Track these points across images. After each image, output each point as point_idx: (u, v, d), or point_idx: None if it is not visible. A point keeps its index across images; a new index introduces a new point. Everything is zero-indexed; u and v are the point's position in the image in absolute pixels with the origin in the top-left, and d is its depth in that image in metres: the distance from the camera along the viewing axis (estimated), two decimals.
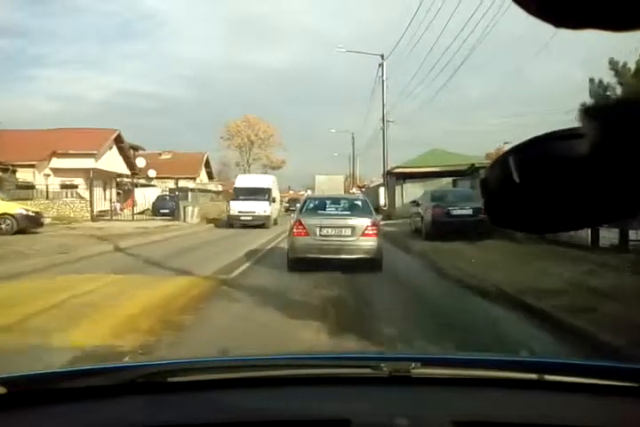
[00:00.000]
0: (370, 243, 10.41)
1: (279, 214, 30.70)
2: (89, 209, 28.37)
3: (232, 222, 26.29)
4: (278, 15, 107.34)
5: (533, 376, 1.43)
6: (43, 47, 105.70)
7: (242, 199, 26.75)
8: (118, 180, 39.42)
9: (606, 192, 0.56)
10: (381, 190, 32.07)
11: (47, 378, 1.51)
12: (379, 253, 10.59)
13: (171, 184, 41.38)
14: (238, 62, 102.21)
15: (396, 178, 31.31)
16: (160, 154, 51.55)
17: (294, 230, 10.73)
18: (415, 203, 19.65)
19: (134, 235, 19.78)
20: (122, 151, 37.37)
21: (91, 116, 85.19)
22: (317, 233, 10.46)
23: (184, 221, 28.95)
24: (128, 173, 38.82)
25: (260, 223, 25.88)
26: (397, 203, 31.41)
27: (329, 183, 40.53)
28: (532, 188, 0.58)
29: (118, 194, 39.28)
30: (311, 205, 11.86)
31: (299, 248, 10.54)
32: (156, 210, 33.57)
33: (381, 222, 27.29)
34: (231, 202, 27.65)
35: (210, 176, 54.85)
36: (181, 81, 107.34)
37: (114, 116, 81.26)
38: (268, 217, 26.64)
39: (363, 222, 10.54)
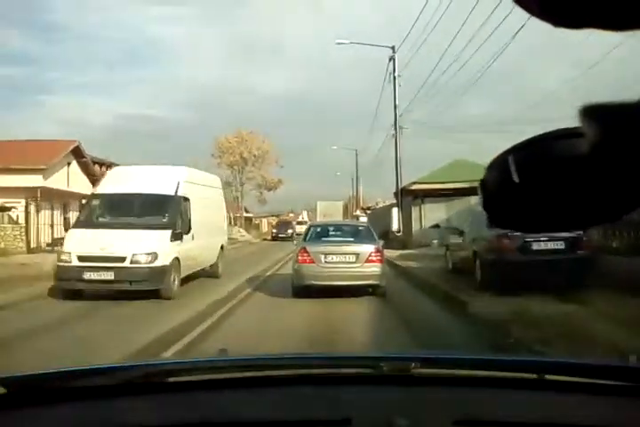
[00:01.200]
0: (374, 269, 10.37)
1: (221, 257, 14.84)
2: (24, 238, 22.30)
3: (67, 285, 10.65)
4: (280, 39, 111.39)
5: (533, 376, 1.40)
6: (46, 73, 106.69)
7: (100, 225, 11.33)
8: (84, 202, 33.63)
9: (605, 191, 0.56)
10: (394, 212, 26.03)
11: (47, 378, 1.48)
12: (383, 280, 10.55)
13: None
14: (239, 86, 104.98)
15: (412, 197, 25.29)
16: None
17: (299, 258, 10.63)
18: (455, 230, 13.52)
19: (38, 279, 12.44)
20: (84, 167, 31.49)
21: (93, 141, 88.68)
22: (322, 260, 10.41)
23: None
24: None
25: (139, 288, 10.35)
26: (415, 228, 25.37)
27: (330, 208, 46.63)
28: (531, 187, 0.58)
29: None
30: (315, 232, 11.82)
31: (304, 275, 10.42)
32: None
33: (395, 253, 21.25)
34: (70, 232, 11.59)
35: None
36: (183, 105, 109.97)
37: (116, 141, 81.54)
38: (162, 272, 10.50)
39: (366, 249, 10.56)
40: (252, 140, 54.17)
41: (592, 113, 0.52)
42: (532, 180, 0.57)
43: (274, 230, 47.07)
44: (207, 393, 1.40)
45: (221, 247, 14.88)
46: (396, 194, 27.73)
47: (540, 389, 1.38)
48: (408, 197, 25.59)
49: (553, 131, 0.58)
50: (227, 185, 57.83)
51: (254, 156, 54.27)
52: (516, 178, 0.57)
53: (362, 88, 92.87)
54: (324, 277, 10.23)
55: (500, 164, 0.59)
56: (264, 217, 70.89)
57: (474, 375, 1.47)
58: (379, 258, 10.52)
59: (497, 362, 1.66)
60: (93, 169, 32.34)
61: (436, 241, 23.79)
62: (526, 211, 0.61)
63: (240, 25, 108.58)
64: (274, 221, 62.79)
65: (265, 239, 45.72)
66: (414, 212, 25.28)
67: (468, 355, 1.96)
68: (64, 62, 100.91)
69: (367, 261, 10.36)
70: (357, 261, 10.36)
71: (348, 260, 10.40)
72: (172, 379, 1.46)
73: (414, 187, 24.77)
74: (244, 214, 61.65)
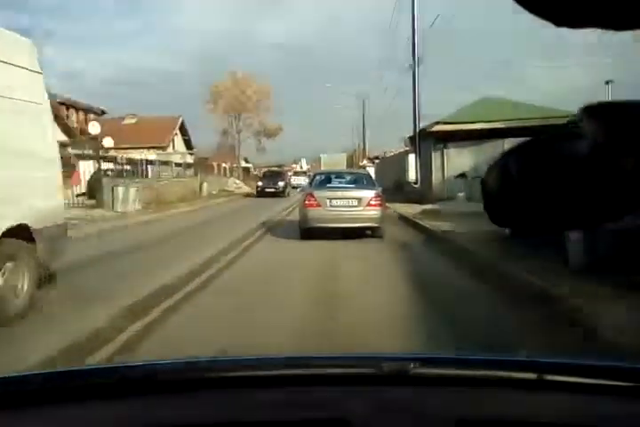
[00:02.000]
0: (374, 212, 11.35)
1: (29, 262, 5.64)
2: None
3: None
4: None
5: (534, 376, 1.35)
6: (48, 24, 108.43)
7: None
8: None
9: (606, 191, 0.57)
10: (410, 160, 21.94)
11: (45, 378, 1.44)
12: (381, 222, 11.51)
13: (134, 155, 31.80)
14: (241, 36, 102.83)
15: (433, 141, 21.14)
16: (123, 118, 41.50)
17: (306, 202, 11.52)
18: None
19: None
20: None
21: (95, 94, 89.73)
22: (328, 204, 11.34)
23: (112, 208, 19.10)
24: (65, 139, 28.84)
25: None
26: (435, 178, 21.36)
27: (333, 160, 47.52)
28: (532, 187, 0.59)
29: None
30: (320, 180, 12.74)
31: (311, 218, 11.37)
32: (93, 191, 23.88)
33: (415, 209, 17.25)
34: None
35: (188, 145, 44.80)
36: (184, 56, 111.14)
37: (118, 92, 79.30)
38: None
39: (367, 194, 11.54)
40: (249, 82, 49.38)
41: (592, 113, 0.52)
42: (532, 180, 0.57)
43: (259, 183, 34.92)
44: (205, 393, 1.33)
45: (26, 234, 5.59)
46: (412, 138, 23.59)
47: (541, 389, 1.31)
48: (427, 141, 21.45)
49: (553, 131, 0.57)
50: (223, 133, 53.91)
51: (251, 100, 49.59)
52: (517, 178, 0.57)
53: (368, 36, 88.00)
54: (329, 219, 11.21)
55: (501, 164, 0.59)
56: (265, 167, 66.89)
57: (474, 375, 1.39)
58: (378, 202, 11.42)
59: (497, 362, 1.55)
60: (63, 111, 28.05)
61: (462, 194, 19.89)
62: (527, 211, 0.60)
63: None
64: None
65: (249, 195, 35.49)
66: (435, 159, 21.18)
67: (468, 355, 1.79)
68: (61, 12, 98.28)
69: (368, 205, 11.30)
70: (359, 204, 11.30)
71: (351, 204, 11.33)
72: (170, 378, 1.38)
73: (436, 128, 20.56)
74: (244, 165, 57.62)
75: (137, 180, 22.36)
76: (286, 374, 1.45)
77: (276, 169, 42.42)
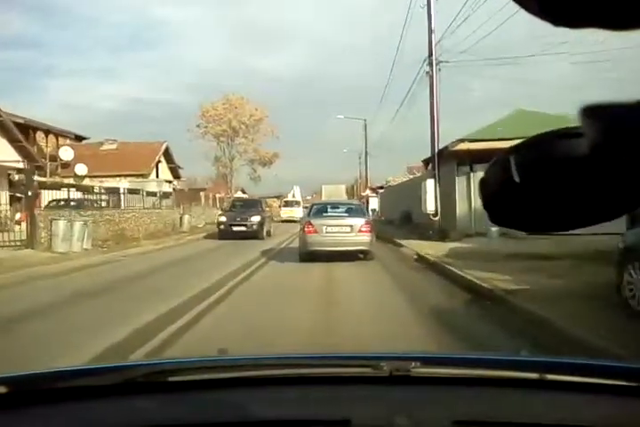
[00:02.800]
0: (364, 237, 12.91)
1: None
2: None
3: None
4: (282, 24, 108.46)
5: (534, 376, 1.37)
6: (53, 57, 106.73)
7: None
8: (17, 177, 25.68)
9: (606, 191, 0.58)
10: (428, 186, 17.79)
11: (47, 378, 1.46)
12: (371, 245, 13.12)
13: (112, 183, 27.97)
14: (242, 69, 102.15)
15: (457, 163, 17.11)
16: (102, 144, 37.72)
17: (306, 229, 12.98)
18: None
19: None
20: (3, 130, 23.35)
21: (99, 125, 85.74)
22: (324, 230, 12.81)
23: (50, 248, 14.94)
24: (17, 161, 24.80)
25: None
26: (460, 208, 17.26)
27: (334, 191, 47.91)
28: (532, 187, 0.59)
29: (17, 199, 25.51)
30: (317, 209, 14.09)
31: (310, 243, 12.81)
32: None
33: (439, 250, 13.24)
34: None
35: (175, 174, 40.92)
36: (187, 88, 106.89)
37: (121, 125, 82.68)
38: None
39: (358, 222, 13.09)
40: (243, 107, 45.73)
41: (592, 113, 0.52)
42: (532, 180, 0.58)
43: (221, 219, 22.55)
44: (206, 393, 1.35)
45: None
46: (426, 161, 19.60)
47: (541, 388, 1.32)
48: (449, 164, 17.44)
49: (554, 131, 0.58)
50: (215, 160, 50.16)
51: (245, 125, 45.85)
52: (516, 178, 0.57)
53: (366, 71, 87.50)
54: (326, 243, 12.70)
55: (500, 163, 0.59)
56: (262, 199, 62.71)
57: (474, 375, 1.40)
58: (368, 229, 13.04)
59: (497, 362, 1.58)
60: (16, 133, 24.12)
61: (495, 228, 15.87)
62: (527, 210, 0.61)
63: (242, 7, 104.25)
64: (274, 202, 53.27)
65: (208, 236, 23.34)
66: (459, 185, 17.15)
67: (469, 354, 1.84)
68: (67, 46, 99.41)
69: (359, 231, 12.92)
70: (352, 231, 12.89)
71: (344, 230, 12.89)
72: (171, 378, 1.39)
73: (460, 147, 16.56)
74: (238, 195, 53.64)
75: (90, 212, 18.22)
76: (286, 375, 1.45)
77: (248, 198, 31.38)
